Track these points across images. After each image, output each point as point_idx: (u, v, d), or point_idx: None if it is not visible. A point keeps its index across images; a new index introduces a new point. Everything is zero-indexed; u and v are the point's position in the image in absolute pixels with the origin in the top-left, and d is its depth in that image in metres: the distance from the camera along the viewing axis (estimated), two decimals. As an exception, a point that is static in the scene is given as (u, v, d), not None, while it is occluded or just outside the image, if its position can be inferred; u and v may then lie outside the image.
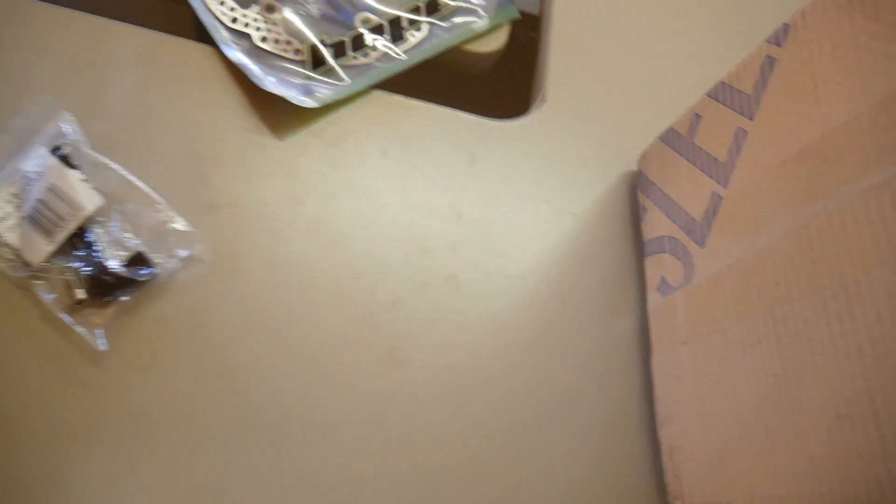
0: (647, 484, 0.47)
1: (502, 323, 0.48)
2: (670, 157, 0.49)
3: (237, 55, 0.49)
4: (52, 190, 0.42)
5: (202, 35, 0.51)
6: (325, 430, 0.43)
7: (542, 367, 0.48)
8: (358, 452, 0.43)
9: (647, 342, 0.49)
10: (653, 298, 0.49)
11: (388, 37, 0.53)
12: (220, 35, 0.50)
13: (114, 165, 0.44)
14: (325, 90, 0.50)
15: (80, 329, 0.41)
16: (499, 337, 0.48)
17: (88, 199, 0.43)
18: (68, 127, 0.44)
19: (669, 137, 0.50)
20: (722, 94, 0.44)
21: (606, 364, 0.49)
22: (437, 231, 0.49)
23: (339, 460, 0.43)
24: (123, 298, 0.42)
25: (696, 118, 0.47)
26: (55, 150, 0.43)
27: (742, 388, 0.39)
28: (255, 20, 0.51)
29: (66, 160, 0.43)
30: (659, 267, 0.49)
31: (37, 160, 0.43)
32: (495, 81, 0.59)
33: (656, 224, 0.50)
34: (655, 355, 0.48)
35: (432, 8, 0.54)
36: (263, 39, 0.50)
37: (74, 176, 0.43)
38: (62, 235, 0.42)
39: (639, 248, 0.53)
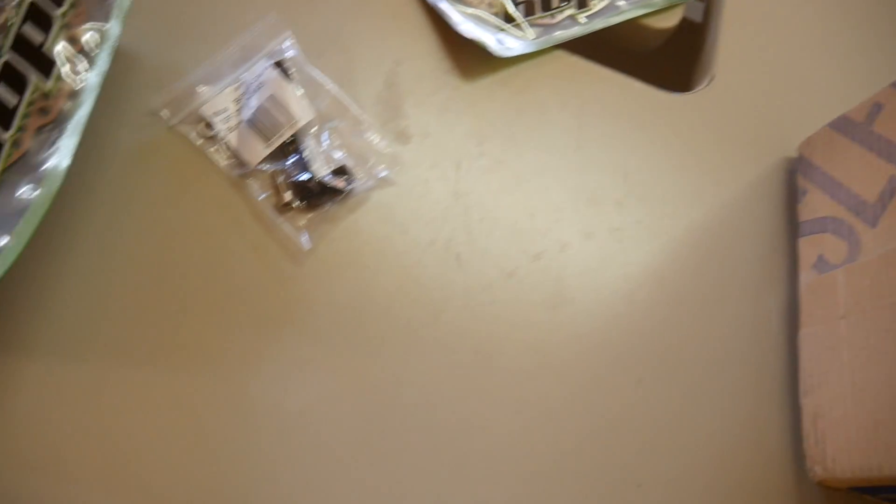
0: (783, 448, 0.49)
1: (661, 279, 0.51)
2: (840, 143, 0.51)
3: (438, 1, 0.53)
4: (273, 99, 0.46)
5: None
6: (491, 353, 0.46)
7: (692, 326, 0.50)
8: (519, 378, 0.46)
9: (794, 318, 0.51)
10: (807, 276, 0.51)
11: (575, 1, 0.55)
12: (423, -20, 0.53)
13: (329, 85, 0.48)
14: (514, 43, 0.53)
15: (286, 227, 0.45)
16: (656, 291, 0.50)
17: (304, 111, 0.46)
18: (290, 44, 0.48)
19: (841, 124, 0.52)
20: (911, 82, 0.46)
21: (752, 334, 0.51)
22: (606, 186, 0.52)
23: (501, 381, 0.46)
24: (325, 206, 0.46)
25: (875, 107, 0.49)
26: (278, 65, 0.47)
27: (908, 358, 0.41)
28: (455, -29, 0.54)
29: (286, 74, 0.47)
30: (817, 246, 0.51)
31: (260, 72, 0.47)
32: (662, 57, 0.61)
33: (817, 205, 0.52)
34: (805, 328, 0.50)
35: (616, -21, 0.57)
36: (462, -11, 0.54)
37: (293, 89, 0.47)
38: (278, 142, 0.46)
39: (791, 230, 0.54)
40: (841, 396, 0.45)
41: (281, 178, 0.46)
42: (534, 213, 0.50)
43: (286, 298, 0.44)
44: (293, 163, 0.46)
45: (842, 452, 0.44)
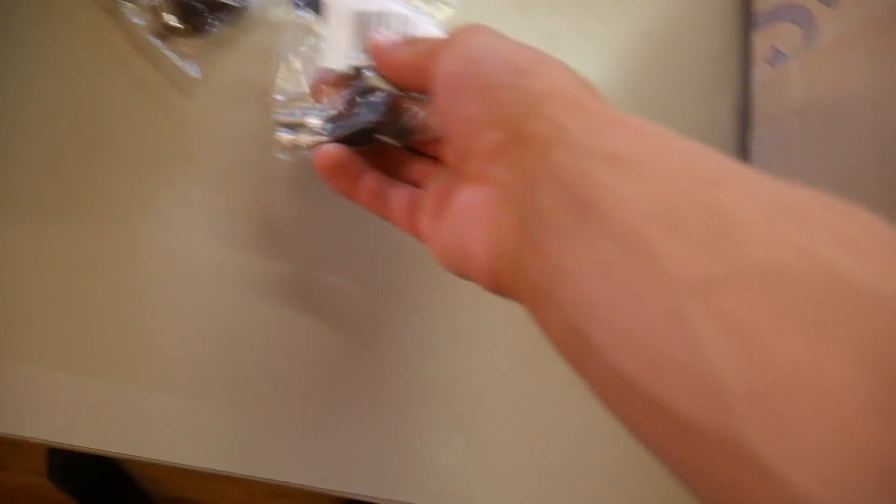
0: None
1: (602, 82, 0.46)
2: (798, -85, 0.45)
3: None
4: None
5: None
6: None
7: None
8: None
9: (746, 119, 0.47)
10: (760, 71, 0.47)
11: None
12: None
13: None
14: None
15: (170, 55, 0.39)
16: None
17: (175, -84, 0.39)
18: None
19: None
20: None
21: (703, 139, 0.47)
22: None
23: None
24: (212, 28, 0.40)
25: None
26: None
27: (862, 144, 0.38)
28: None
29: None
30: (771, 37, 0.46)
31: None
32: None
33: (772, -9, 0.47)
34: (758, 129, 0.46)
35: None
36: None
37: None
38: (149, -47, 0.39)
39: (745, 24, 0.49)
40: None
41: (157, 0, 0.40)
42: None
43: (177, 135, 0.40)
44: (170, -22, 0.40)
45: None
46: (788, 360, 0.15)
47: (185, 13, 0.40)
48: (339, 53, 0.35)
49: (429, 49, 0.28)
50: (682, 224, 0.18)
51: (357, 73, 0.33)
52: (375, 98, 0.32)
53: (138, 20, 0.39)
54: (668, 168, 0.20)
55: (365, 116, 0.31)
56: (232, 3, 0.40)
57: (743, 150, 0.47)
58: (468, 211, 0.25)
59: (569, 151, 0.21)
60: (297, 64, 0.36)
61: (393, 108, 0.32)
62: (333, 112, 0.33)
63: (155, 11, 0.40)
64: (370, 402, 0.39)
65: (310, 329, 0.39)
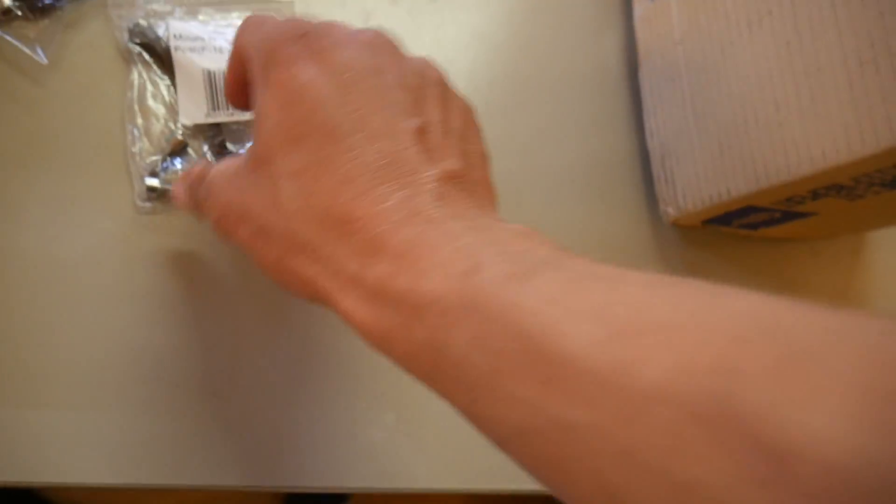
0: (637, 197, 0.46)
1: (481, 36, 0.45)
2: None
3: None
4: None
5: None
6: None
7: (527, 85, 0.45)
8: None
9: (633, 57, 0.47)
10: (640, 6, 0.46)
11: None
12: None
13: None
14: None
15: (13, 41, 0.36)
16: (478, 53, 0.45)
17: None
18: None
19: None
20: None
21: (592, 84, 0.47)
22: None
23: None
24: (57, 5, 0.36)
25: None
26: None
27: (746, 69, 0.38)
28: None
29: None
30: (647, -29, 0.46)
31: None
32: None
33: (643, -75, 0.46)
34: (643, 66, 0.46)
35: None
36: None
37: None
38: (-29, -73, 0.35)
39: (620, -39, 0.49)
40: (685, 129, 0.42)
41: (-12, -21, 0.36)
42: (325, -19, 0.42)
43: (33, 128, 0.36)
44: (0, -45, 0.36)
45: (691, 186, 0.42)
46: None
47: (21, -7, 0.36)
48: (194, 110, 0.37)
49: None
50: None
51: (215, 128, 0.38)
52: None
53: (-32, 5, 0.35)
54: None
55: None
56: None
57: (633, 90, 0.47)
58: None
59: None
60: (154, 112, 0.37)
61: None
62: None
63: (-14, -6, 0.36)
64: (292, 392, 0.36)
65: (219, 323, 0.36)
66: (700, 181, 0.41)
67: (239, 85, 0.29)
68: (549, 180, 0.45)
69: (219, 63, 0.37)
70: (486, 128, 0.44)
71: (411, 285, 0.21)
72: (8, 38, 0.36)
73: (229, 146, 0.38)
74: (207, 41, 0.38)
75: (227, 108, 0.37)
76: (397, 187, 0.23)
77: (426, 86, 0.26)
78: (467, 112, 0.29)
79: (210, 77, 0.38)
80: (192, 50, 0.37)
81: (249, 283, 0.37)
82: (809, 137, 0.35)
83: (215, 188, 0.27)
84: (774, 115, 0.36)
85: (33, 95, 0.36)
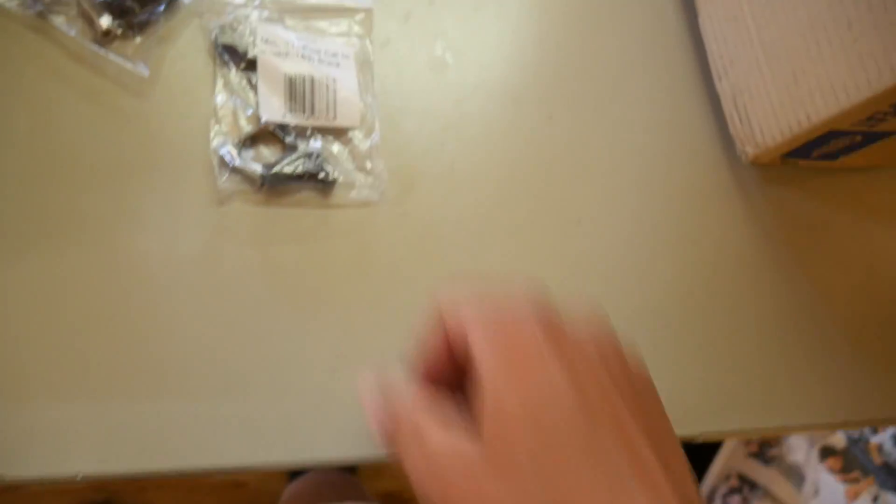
0: (712, 141, 0.47)
1: (544, 4, 0.46)
2: None
3: None
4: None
5: None
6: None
7: (587, 43, 0.47)
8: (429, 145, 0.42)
9: (690, 4, 0.48)
10: (692, -44, 0.47)
11: None
12: None
13: None
14: None
15: (115, 58, 0.38)
16: (544, 20, 0.46)
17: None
18: None
19: None
20: None
21: (653, 35, 0.48)
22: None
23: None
24: (151, 21, 0.39)
25: None
26: None
27: (813, -7, 0.38)
28: None
29: None
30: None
31: None
32: None
33: None
34: (703, 10, 0.47)
35: None
36: None
37: None
38: (67, -43, 0.38)
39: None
40: (755, 64, 0.43)
41: (84, 4, 0.38)
42: (389, -31, 0.44)
43: (142, 139, 0.38)
44: (93, -19, 0.39)
45: (768, 120, 0.43)
46: None
47: (117, 13, 0.39)
48: (274, 108, 0.39)
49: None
50: None
51: (287, 129, 0.40)
52: (311, 150, 0.39)
53: (70, 30, 0.38)
54: None
55: (302, 165, 0.39)
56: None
57: (695, 36, 0.48)
58: None
59: None
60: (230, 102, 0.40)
61: (322, 163, 0.39)
62: (272, 160, 0.39)
63: (86, 18, 0.39)
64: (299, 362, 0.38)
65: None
66: (776, 113, 0.42)
67: (441, 353, 0.27)
68: (624, 137, 0.46)
69: (298, 68, 0.40)
70: (551, 93, 0.46)
71: None
72: (112, 56, 0.38)
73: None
74: (293, 47, 0.40)
75: (303, 112, 0.40)
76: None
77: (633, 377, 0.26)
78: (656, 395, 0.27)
79: (290, 80, 0.40)
80: (277, 54, 0.40)
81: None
82: (888, 48, 0.35)
83: (441, 463, 0.24)
84: (847, 33, 0.37)
85: (138, 109, 0.39)
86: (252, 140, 0.40)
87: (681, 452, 0.25)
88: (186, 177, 0.39)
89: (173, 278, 0.37)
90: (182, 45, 0.40)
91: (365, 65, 0.42)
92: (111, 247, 0.37)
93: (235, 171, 0.39)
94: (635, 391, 0.25)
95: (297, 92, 0.40)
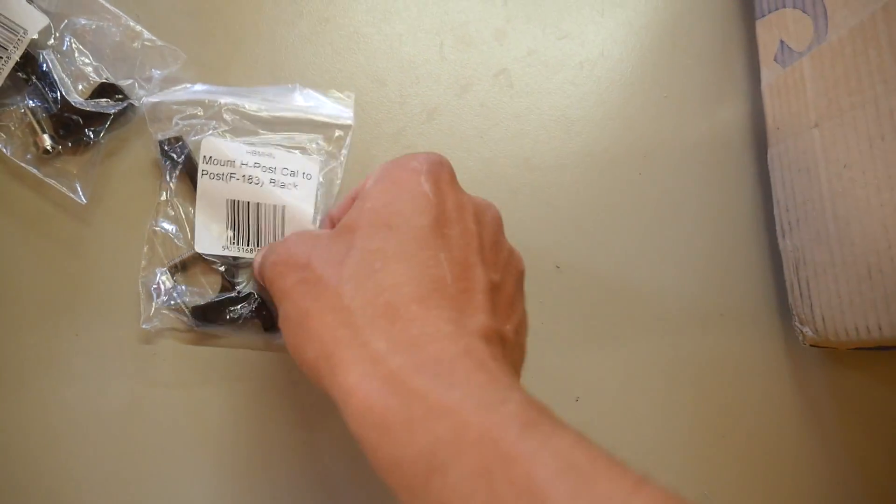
0: (766, 306, 0.38)
1: (570, 124, 0.38)
2: None
3: None
4: (-16, 13, 0.34)
5: None
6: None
7: (626, 174, 0.38)
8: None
9: (762, 132, 0.38)
10: (769, 72, 0.37)
11: None
12: None
13: (55, -29, 0.35)
14: None
15: (53, 182, 0.34)
16: (567, 143, 0.38)
17: (30, 18, 0.34)
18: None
19: None
20: None
21: (709, 164, 0.39)
22: (478, 15, 0.38)
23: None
24: (96, 139, 0.34)
25: None
26: (-20, -37, 0.34)
27: (903, 175, 0.29)
28: None
29: (-5, -27, 0.34)
30: (777, 28, 0.37)
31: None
32: None
33: (771, -30, 0.37)
34: (773, 146, 0.37)
35: None
36: None
37: (9, -8, 0.34)
38: (6, 69, 0.34)
39: (747, 10, 0.40)
40: (823, 234, 0.33)
41: (28, 118, 0.34)
42: (383, 80, 0.37)
43: (77, 271, 0.34)
44: (35, 92, 0.34)
45: (832, 309, 0.33)
46: None
47: (61, 130, 0.34)
48: (211, 239, 0.34)
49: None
50: None
51: (230, 261, 0.34)
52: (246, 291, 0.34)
53: (6, 149, 0.34)
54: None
55: (239, 309, 0.34)
56: (108, 110, 0.34)
57: (762, 172, 0.38)
58: None
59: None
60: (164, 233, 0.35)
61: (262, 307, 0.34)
62: (204, 300, 0.34)
63: (29, 133, 0.34)
64: None
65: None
66: (843, 306, 0.32)
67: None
68: (664, 279, 0.38)
69: (244, 192, 0.34)
70: (575, 224, 0.38)
71: (436, 390, 0.21)
72: (50, 180, 0.34)
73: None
74: (238, 167, 0.34)
75: (246, 244, 0.34)
76: (456, 313, 0.23)
77: (501, 243, 0.28)
78: (523, 274, 0.29)
79: (233, 206, 0.34)
80: (220, 176, 0.34)
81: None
82: None
83: (289, 240, 0.28)
84: (942, 245, 0.27)
85: (77, 234, 0.35)
86: (184, 267, 0.35)
87: (524, 332, 0.28)
88: (114, 313, 0.34)
89: (97, 431, 0.33)
90: (130, 161, 0.35)
91: (330, 187, 0.36)
92: (37, 397, 0.33)
93: (165, 305, 0.34)
94: (496, 253, 0.27)
95: (239, 220, 0.34)
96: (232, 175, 0.34)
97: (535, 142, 0.38)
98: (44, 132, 0.34)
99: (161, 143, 0.35)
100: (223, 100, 0.35)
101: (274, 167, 0.35)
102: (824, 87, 0.33)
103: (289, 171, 0.35)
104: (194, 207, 0.34)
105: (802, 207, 0.35)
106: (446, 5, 0.38)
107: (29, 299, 0.34)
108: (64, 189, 0.34)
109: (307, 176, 0.35)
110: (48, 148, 0.34)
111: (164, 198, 0.35)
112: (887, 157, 0.29)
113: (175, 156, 0.35)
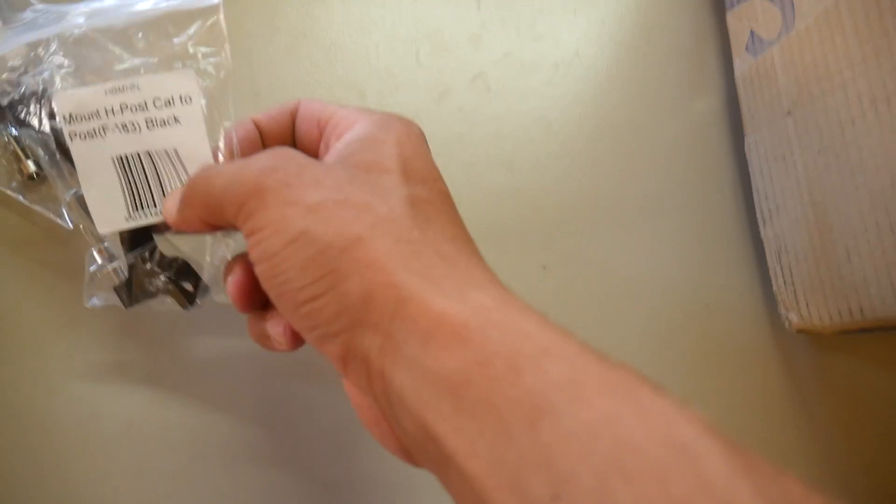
0: (751, 294, 0.38)
1: (548, 125, 0.38)
2: None
3: None
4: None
5: None
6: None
7: (607, 171, 0.39)
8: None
9: (738, 122, 0.39)
10: (741, 63, 0.38)
11: None
12: None
13: None
14: None
15: (38, 209, 0.34)
16: (547, 142, 0.38)
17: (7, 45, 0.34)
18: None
19: None
20: None
21: (688, 156, 0.39)
22: (453, 21, 0.39)
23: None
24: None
25: None
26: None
27: (876, 157, 0.29)
28: None
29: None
30: (747, 19, 0.37)
31: None
32: None
33: (738, -38, 0.38)
34: (750, 136, 0.37)
35: None
36: None
37: (-13, 21, 0.34)
38: (-15, 97, 0.34)
39: (717, 1, 0.41)
40: (803, 222, 0.34)
41: (12, 146, 0.35)
42: (362, 90, 0.38)
43: (69, 295, 0.35)
44: (19, 118, 0.35)
45: (815, 296, 0.34)
46: None
47: (49, 152, 0.35)
48: (113, 213, 0.28)
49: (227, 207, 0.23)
50: (525, 490, 0.16)
51: (143, 233, 0.30)
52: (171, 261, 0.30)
53: (-7, 177, 0.34)
54: (499, 397, 0.17)
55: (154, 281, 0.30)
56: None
57: (740, 162, 0.39)
58: (358, 406, 0.24)
59: (405, 371, 0.19)
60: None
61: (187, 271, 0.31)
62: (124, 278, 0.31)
63: (13, 160, 0.35)
64: None
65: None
66: (825, 290, 0.33)
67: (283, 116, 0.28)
68: (652, 264, 0.38)
69: (131, 144, 0.27)
70: (558, 224, 0.38)
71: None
72: (35, 207, 0.34)
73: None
74: (106, 116, 0.27)
75: (153, 206, 0.28)
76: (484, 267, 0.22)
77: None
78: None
79: (125, 164, 0.28)
80: (91, 134, 0.27)
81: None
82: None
83: (256, 158, 0.23)
84: (914, 224, 0.28)
85: (66, 259, 0.35)
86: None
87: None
88: (105, 336, 0.35)
89: (101, 452, 0.34)
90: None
91: (221, 98, 0.28)
92: (31, 418, 0.34)
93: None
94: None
95: (134, 180, 0.28)
96: (104, 128, 0.27)
97: (515, 144, 0.38)
98: (28, 158, 0.35)
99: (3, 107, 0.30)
100: (53, 31, 0.28)
101: (143, 102, 0.28)
102: (794, 75, 0.33)
103: (162, 101, 0.28)
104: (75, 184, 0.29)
105: (781, 195, 0.35)
106: (421, 13, 0.39)
107: (23, 325, 0.34)
108: (50, 214, 0.34)
109: (186, 100, 0.28)
110: (33, 174, 0.35)
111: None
112: (859, 140, 0.30)
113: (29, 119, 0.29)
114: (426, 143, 0.26)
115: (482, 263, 0.22)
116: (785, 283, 0.35)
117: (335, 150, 0.25)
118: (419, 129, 0.26)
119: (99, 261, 0.31)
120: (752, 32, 0.37)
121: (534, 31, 0.39)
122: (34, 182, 0.35)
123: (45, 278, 0.35)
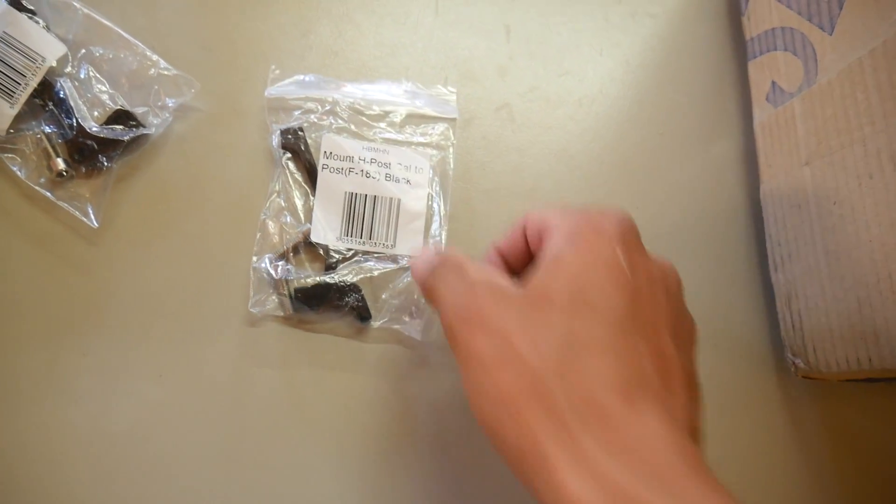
0: (758, 338, 0.39)
1: (569, 158, 0.39)
2: (781, -79, 0.37)
3: None
4: (4, 41, 0.35)
5: None
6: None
7: (623, 207, 0.39)
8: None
9: (755, 168, 0.40)
10: (761, 112, 0.39)
11: None
12: None
13: (76, 3, 0.36)
14: None
15: (65, 205, 0.35)
16: (567, 176, 0.39)
17: (48, 47, 0.35)
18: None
19: None
20: None
21: (704, 199, 0.40)
22: (483, 52, 0.40)
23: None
24: (109, 164, 0.35)
25: None
26: (3, -8, 0.35)
27: (890, 211, 0.30)
28: None
29: (17, 4, 0.35)
30: (769, 70, 0.38)
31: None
32: None
33: (763, 14, 0.39)
34: (766, 183, 0.38)
35: None
36: None
37: (29, 22, 0.35)
38: (24, 95, 0.35)
39: (739, 51, 0.42)
40: (815, 268, 0.34)
41: (43, 143, 0.35)
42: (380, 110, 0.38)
43: (88, 293, 0.35)
44: (52, 118, 0.35)
45: (823, 340, 0.34)
46: None
47: (76, 155, 0.35)
48: (328, 230, 0.36)
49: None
50: None
51: (339, 255, 0.36)
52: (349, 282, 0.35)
53: (22, 171, 0.35)
54: None
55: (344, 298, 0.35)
56: (122, 137, 0.35)
57: (755, 208, 0.40)
58: None
59: None
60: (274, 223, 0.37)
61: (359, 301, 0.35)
62: (311, 281, 0.35)
63: (44, 157, 0.35)
64: None
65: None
66: (834, 338, 0.33)
67: (515, 241, 0.29)
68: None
69: (364, 187, 0.36)
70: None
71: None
72: (62, 204, 0.35)
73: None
74: (356, 162, 0.37)
75: (360, 236, 0.36)
76: (662, 410, 0.23)
77: (685, 314, 0.28)
78: (697, 342, 0.28)
79: (351, 200, 0.36)
80: (339, 171, 0.36)
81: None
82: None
83: (477, 287, 0.26)
84: (928, 280, 0.28)
85: (90, 258, 0.35)
86: (295, 251, 0.36)
87: (698, 398, 0.26)
88: (125, 334, 0.35)
89: (105, 453, 0.34)
90: (140, 187, 0.36)
91: (443, 179, 0.38)
92: (48, 413, 0.34)
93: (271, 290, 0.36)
94: (680, 324, 0.26)
95: (355, 212, 0.37)
96: (350, 170, 0.36)
97: (536, 174, 0.39)
98: (58, 156, 0.35)
99: (283, 132, 0.37)
100: (338, 95, 0.38)
101: (388, 163, 0.37)
102: (814, 127, 0.34)
103: (402, 166, 0.37)
104: (305, 196, 0.37)
105: (794, 242, 0.36)
106: (452, 41, 0.40)
107: (38, 319, 0.35)
108: (76, 212, 0.35)
109: (419, 170, 0.37)
110: (62, 172, 0.35)
111: (277, 186, 0.37)
112: (875, 194, 0.30)
113: (293, 145, 0.37)
114: (623, 244, 0.25)
115: (624, 410, 0.22)
116: (794, 328, 0.36)
117: (533, 270, 0.26)
118: (617, 230, 0.25)
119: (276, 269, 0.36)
120: (773, 83, 0.38)
121: (560, 67, 0.40)
122: (62, 179, 0.35)
123: (64, 275, 0.35)
